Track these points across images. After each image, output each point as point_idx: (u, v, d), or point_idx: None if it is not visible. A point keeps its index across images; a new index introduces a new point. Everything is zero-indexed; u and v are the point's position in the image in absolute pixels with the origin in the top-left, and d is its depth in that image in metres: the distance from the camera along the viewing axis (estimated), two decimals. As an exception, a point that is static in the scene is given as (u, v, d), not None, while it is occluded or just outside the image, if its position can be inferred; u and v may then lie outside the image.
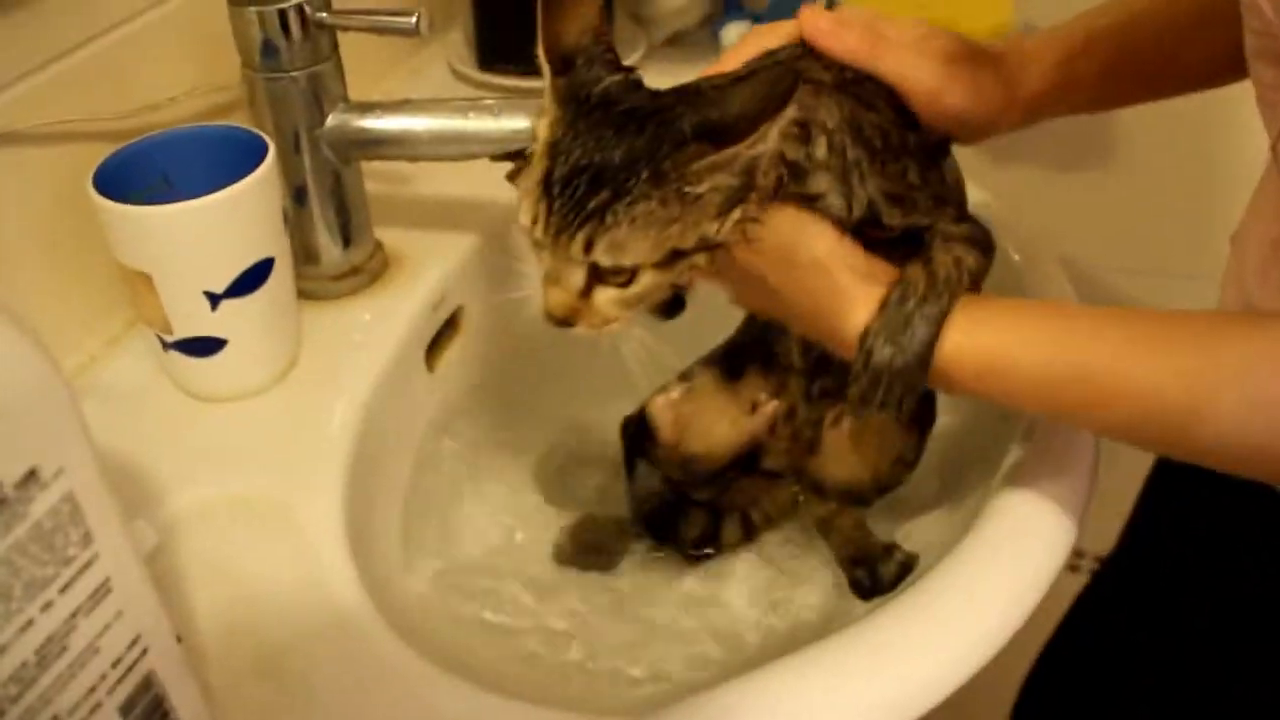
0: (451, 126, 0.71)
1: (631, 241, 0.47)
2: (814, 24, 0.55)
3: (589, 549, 0.71)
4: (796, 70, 0.48)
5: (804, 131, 0.51)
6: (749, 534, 0.70)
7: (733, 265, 0.53)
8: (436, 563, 0.70)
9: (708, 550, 0.70)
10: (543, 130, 0.49)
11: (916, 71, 0.56)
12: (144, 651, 0.46)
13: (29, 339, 0.39)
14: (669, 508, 0.70)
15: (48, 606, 0.41)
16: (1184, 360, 0.46)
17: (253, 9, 0.66)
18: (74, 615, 0.42)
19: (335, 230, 0.75)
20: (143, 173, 0.64)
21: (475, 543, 0.74)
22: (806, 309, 0.54)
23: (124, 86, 0.69)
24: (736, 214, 0.49)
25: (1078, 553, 0.59)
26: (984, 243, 0.55)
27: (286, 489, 0.62)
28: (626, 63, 0.52)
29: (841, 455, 0.64)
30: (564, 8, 0.49)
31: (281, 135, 0.71)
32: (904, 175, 0.54)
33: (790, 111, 0.45)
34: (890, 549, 0.65)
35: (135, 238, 0.62)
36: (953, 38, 0.58)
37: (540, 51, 0.50)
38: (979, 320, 0.51)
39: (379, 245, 0.80)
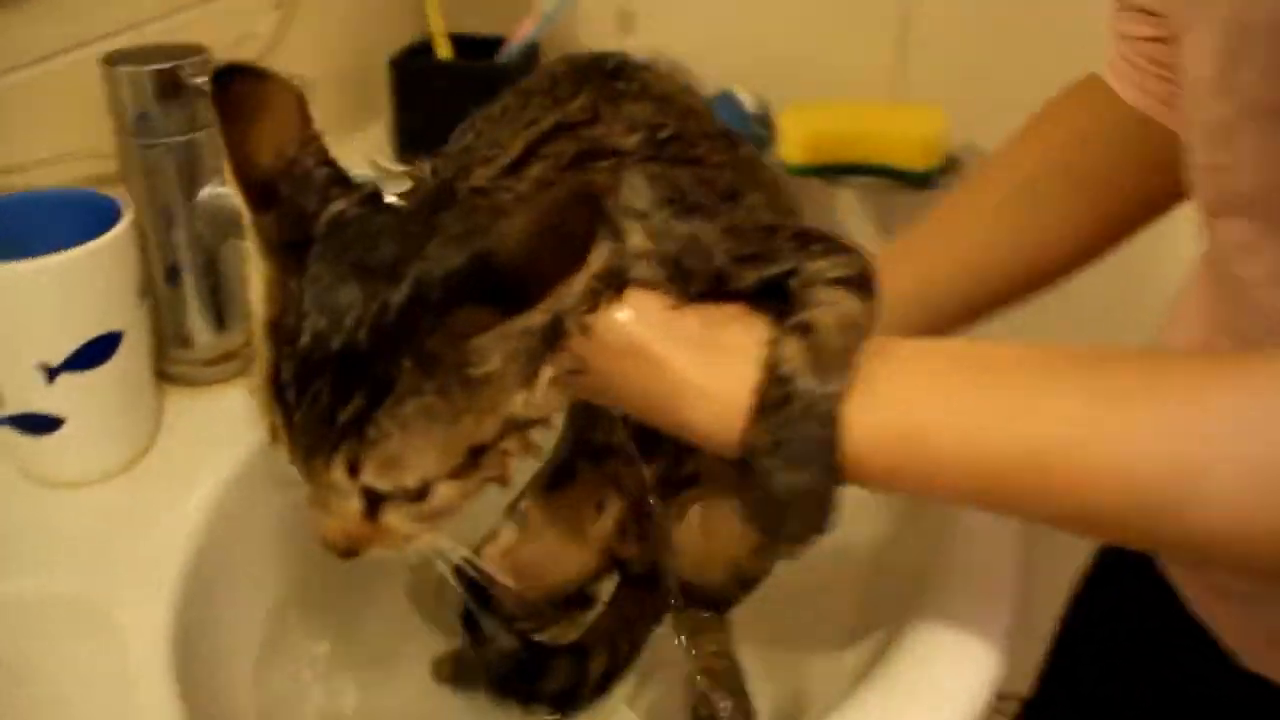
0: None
1: (410, 454, 0.37)
2: None
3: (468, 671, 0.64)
4: (593, 193, 0.36)
5: (612, 227, 0.41)
6: (615, 658, 0.62)
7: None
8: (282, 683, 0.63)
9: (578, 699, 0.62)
10: (256, 299, 0.38)
11: None
12: None
13: None
14: (523, 665, 0.60)
15: None
16: (1167, 418, 0.38)
17: (124, 68, 0.63)
18: None
19: (209, 311, 0.71)
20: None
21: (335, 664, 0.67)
22: (643, 411, 0.43)
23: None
24: (549, 372, 0.38)
25: (1000, 695, 0.53)
26: (863, 279, 0.43)
27: (110, 589, 0.56)
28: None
29: (694, 552, 0.57)
30: (251, 107, 0.38)
31: (154, 207, 0.67)
32: (755, 221, 0.45)
33: (599, 257, 0.34)
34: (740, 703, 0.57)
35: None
36: None
37: (234, 182, 0.38)
38: (884, 392, 0.40)
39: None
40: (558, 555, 0.58)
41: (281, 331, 0.37)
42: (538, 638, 0.61)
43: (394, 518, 0.39)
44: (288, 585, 0.67)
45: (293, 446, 0.37)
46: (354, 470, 0.37)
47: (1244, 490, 0.36)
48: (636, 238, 0.42)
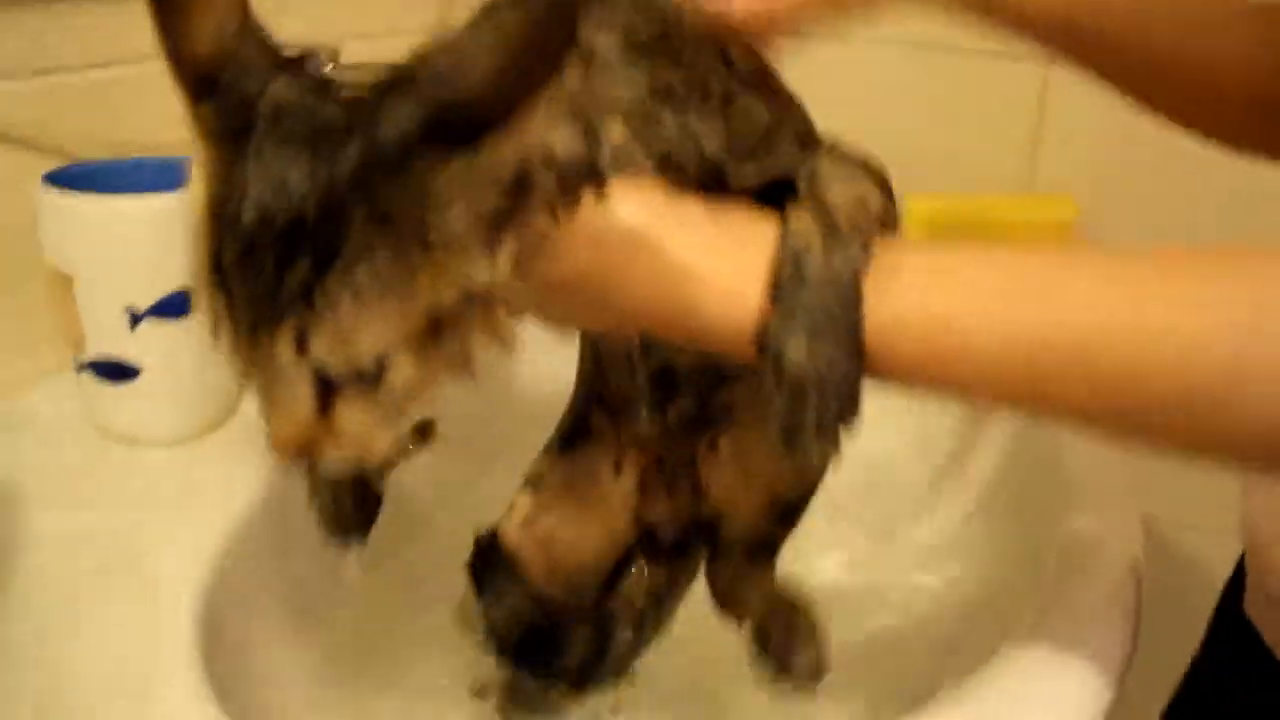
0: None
1: (363, 323, 0.33)
2: None
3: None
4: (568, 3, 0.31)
5: (586, 125, 0.38)
6: (642, 630, 0.57)
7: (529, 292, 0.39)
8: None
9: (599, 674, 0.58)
10: (197, 189, 0.35)
11: None
12: None
13: None
14: (540, 632, 0.56)
15: None
16: (1225, 305, 0.33)
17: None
18: None
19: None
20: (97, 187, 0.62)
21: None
22: (648, 312, 0.39)
23: (126, 116, 0.69)
24: (513, 243, 0.34)
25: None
26: (881, 177, 0.41)
27: (153, 544, 0.54)
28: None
29: (729, 487, 0.52)
30: (186, 3, 0.34)
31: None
32: (749, 117, 0.42)
33: (571, 72, 0.31)
34: (810, 629, 0.53)
35: (64, 233, 0.60)
36: None
37: (171, 71, 0.35)
38: (908, 278, 0.37)
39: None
40: (579, 525, 0.55)
41: (223, 216, 0.33)
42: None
43: (349, 411, 0.35)
44: (329, 584, 0.64)
45: (234, 330, 0.34)
46: (301, 345, 0.33)
47: None
48: (616, 131, 0.38)
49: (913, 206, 0.92)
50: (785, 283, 0.36)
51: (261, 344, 0.33)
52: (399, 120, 0.31)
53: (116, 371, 0.61)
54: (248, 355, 0.34)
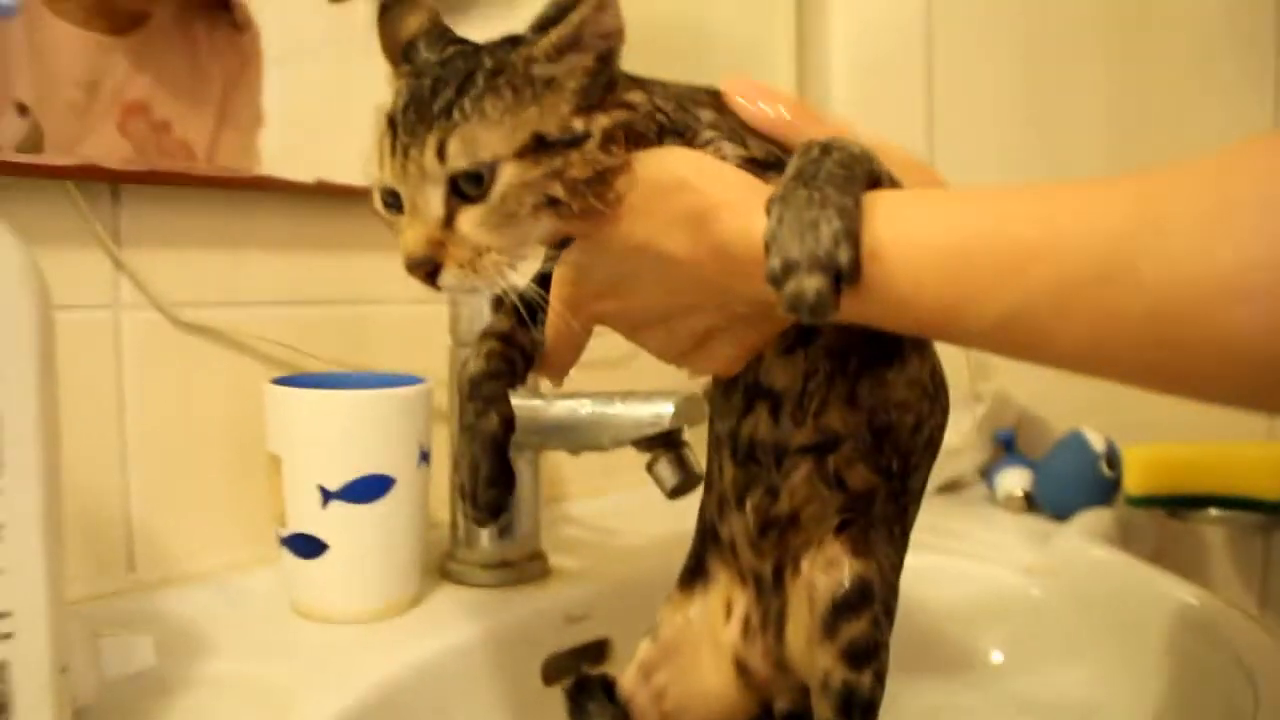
0: (601, 411, 0.73)
1: (485, 133, 0.44)
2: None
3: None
4: None
5: (686, 106, 0.49)
6: None
7: (585, 254, 0.49)
8: None
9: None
10: (389, 102, 0.47)
11: None
12: (9, 635, 0.45)
13: (23, 270, 0.46)
14: None
15: (-71, 502, 0.43)
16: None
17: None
18: (-48, 533, 0.43)
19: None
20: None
21: None
22: (684, 246, 0.46)
23: (358, 344, 0.81)
24: (604, 120, 0.46)
25: None
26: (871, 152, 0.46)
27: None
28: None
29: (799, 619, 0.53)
30: (398, 14, 0.50)
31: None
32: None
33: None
34: None
35: (277, 417, 0.69)
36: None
37: (384, 50, 0.50)
38: (912, 203, 0.42)
39: (541, 554, 0.81)
40: (693, 676, 0.56)
41: (399, 100, 0.46)
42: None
43: (466, 223, 0.45)
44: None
45: (394, 155, 0.45)
46: (441, 153, 0.44)
47: None
48: (707, 114, 0.49)
49: (1135, 454, 0.89)
50: (794, 163, 0.43)
51: (412, 160, 0.44)
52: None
53: (309, 547, 0.69)
54: (398, 169, 0.45)
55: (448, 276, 0.46)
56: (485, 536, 0.79)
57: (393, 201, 0.47)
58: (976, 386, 1.07)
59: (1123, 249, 0.35)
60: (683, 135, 0.48)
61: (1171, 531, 0.88)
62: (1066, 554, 0.85)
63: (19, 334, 0.45)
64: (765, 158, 0.48)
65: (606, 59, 0.46)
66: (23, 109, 0.75)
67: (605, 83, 0.46)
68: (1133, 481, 0.87)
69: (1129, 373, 0.39)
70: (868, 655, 0.52)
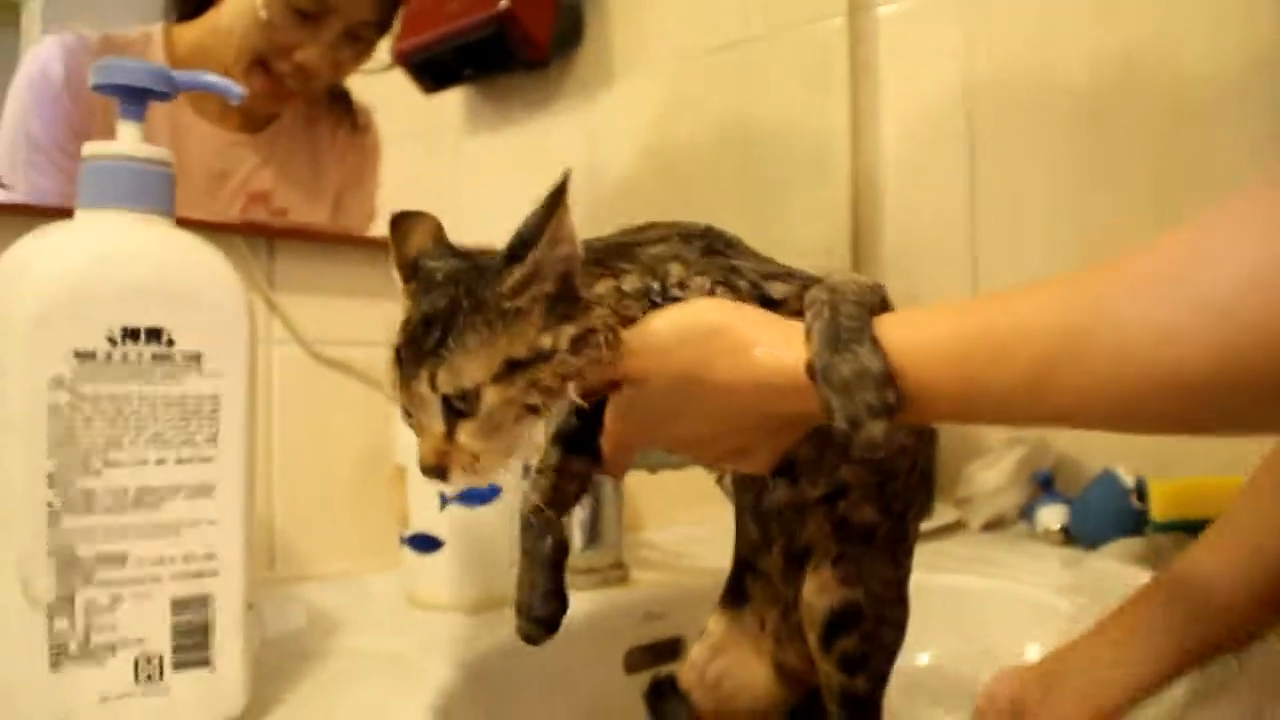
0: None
1: (466, 365, 0.52)
2: None
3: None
4: (565, 175, 0.52)
5: (652, 270, 0.56)
6: None
7: (630, 400, 0.56)
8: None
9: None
10: (399, 323, 0.55)
11: None
12: (215, 573, 0.58)
13: (239, 285, 0.59)
14: None
15: (160, 463, 0.56)
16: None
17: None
18: (176, 489, 0.57)
19: (584, 528, 0.90)
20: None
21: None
22: (724, 381, 0.53)
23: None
24: (571, 329, 0.53)
25: None
26: (875, 282, 0.55)
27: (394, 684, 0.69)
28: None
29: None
30: (406, 229, 0.58)
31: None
32: (774, 262, 0.59)
33: (567, 202, 0.52)
34: None
35: (404, 434, 0.82)
36: None
37: (393, 270, 0.57)
38: (911, 318, 0.50)
39: (623, 564, 0.92)
40: (746, 677, 0.67)
41: (405, 326, 0.54)
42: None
43: (464, 435, 0.53)
44: None
45: (399, 381, 0.54)
46: (433, 383, 0.52)
47: None
48: (675, 268, 0.56)
49: (1161, 485, 0.98)
50: (813, 325, 0.51)
51: (413, 389, 0.53)
52: (498, 259, 0.53)
53: (427, 544, 0.81)
54: (406, 396, 0.54)
55: (455, 478, 0.55)
56: (575, 546, 0.91)
57: (407, 415, 0.56)
58: (1018, 431, 1.17)
59: (1087, 330, 0.45)
60: (659, 302, 0.56)
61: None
62: (1095, 574, 0.94)
63: (235, 336, 0.58)
64: (752, 294, 0.57)
65: (566, 279, 0.53)
66: None
67: (569, 298, 0.54)
68: (1159, 509, 0.97)
69: (1105, 423, 0.48)
70: (860, 664, 0.63)
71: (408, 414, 0.55)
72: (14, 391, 0.53)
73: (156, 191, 0.58)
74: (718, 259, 0.58)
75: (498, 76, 1.25)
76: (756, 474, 0.61)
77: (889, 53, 1.39)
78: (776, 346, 0.52)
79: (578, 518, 0.91)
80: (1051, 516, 1.08)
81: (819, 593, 0.63)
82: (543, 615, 0.61)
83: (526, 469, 0.66)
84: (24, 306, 0.53)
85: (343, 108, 1.04)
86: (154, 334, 0.55)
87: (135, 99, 0.57)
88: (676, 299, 0.56)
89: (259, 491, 0.86)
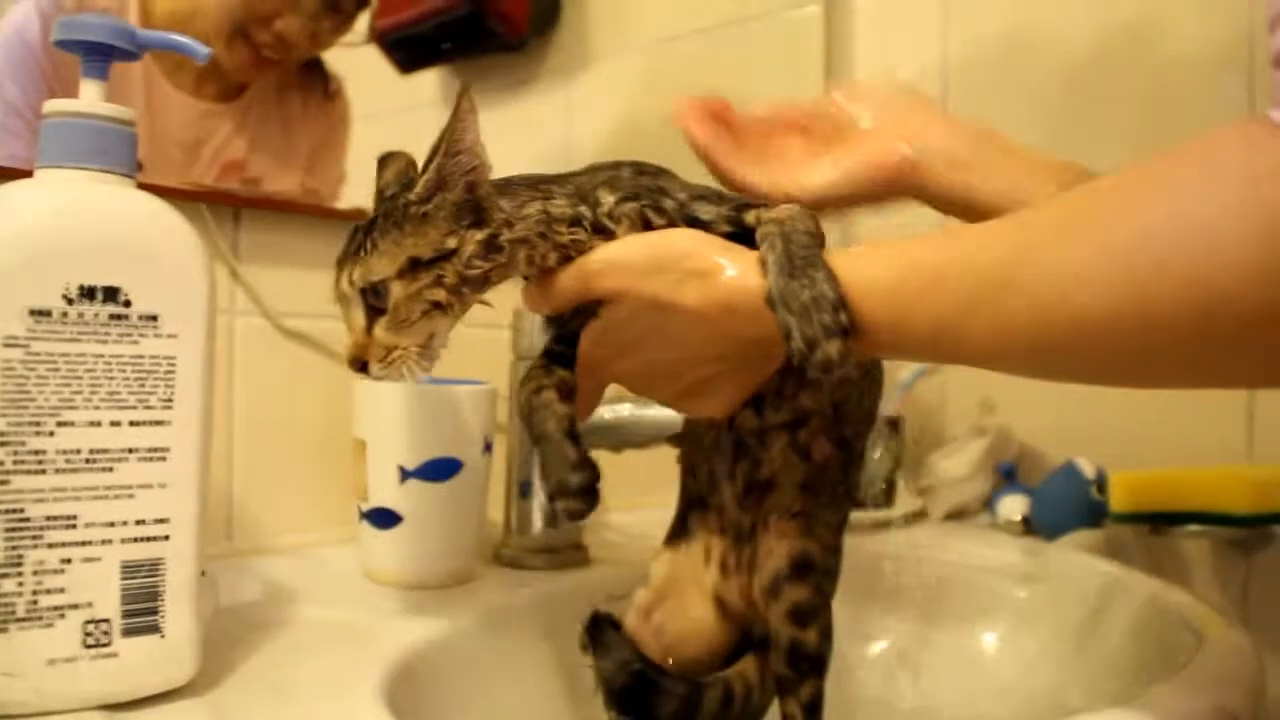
0: (638, 413, 0.86)
1: (377, 262, 0.58)
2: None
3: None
4: (465, 84, 0.61)
5: (582, 197, 0.61)
6: (730, 704, 0.65)
7: (604, 321, 0.60)
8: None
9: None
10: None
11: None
12: (166, 537, 0.58)
13: (200, 248, 0.59)
14: (641, 682, 0.66)
15: (115, 425, 0.56)
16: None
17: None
18: (129, 451, 0.56)
19: (544, 508, 0.91)
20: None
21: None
22: (693, 304, 0.56)
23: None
24: (478, 234, 0.59)
25: None
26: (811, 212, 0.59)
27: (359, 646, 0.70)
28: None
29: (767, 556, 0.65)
30: (383, 166, 0.66)
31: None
32: (705, 187, 0.63)
33: (465, 106, 0.58)
34: None
35: (365, 407, 0.82)
36: None
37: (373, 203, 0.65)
38: (852, 252, 0.54)
39: (583, 545, 0.93)
40: (682, 617, 0.67)
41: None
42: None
43: (378, 329, 0.59)
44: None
45: (335, 283, 0.60)
46: (350, 279, 0.59)
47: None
48: (605, 194, 0.61)
49: (1121, 478, 0.99)
50: (768, 255, 0.55)
51: (340, 285, 0.60)
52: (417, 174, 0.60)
53: (386, 519, 0.81)
54: (337, 295, 0.61)
55: (372, 369, 0.60)
56: (535, 525, 0.91)
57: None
58: (981, 422, 1.18)
59: (1008, 269, 0.48)
60: (588, 228, 0.60)
61: (1156, 549, 0.98)
62: (1054, 563, 0.95)
63: (194, 298, 0.58)
64: (680, 214, 0.60)
65: (472, 188, 0.59)
66: (137, 165, 0.89)
67: (476, 206, 0.59)
68: (1118, 500, 0.97)
69: (1024, 364, 0.51)
70: (810, 615, 0.64)
71: (343, 313, 0.61)
72: (-34, 348, 0.52)
73: (117, 151, 0.57)
74: (645, 179, 0.62)
75: (475, 56, 1.24)
76: (719, 415, 0.64)
77: (865, 38, 1.40)
78: (742, 270, 0.55)
79: (539, 499, 0.91)
80: (1013, 507, 1.09)
81: (778, 539, 0.65)
82: (581, 483, 0.61)
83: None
84: (-23, 263, 0.52)
85: (314, 76, 1.04)
86: (111, 293, 0.55)
87: (99, 56, 0.57)
88: (607, 228, 0.60)
89: (218, 462, 0.86)
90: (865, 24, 1.39)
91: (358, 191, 0.98)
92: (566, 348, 0.64)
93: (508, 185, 0.61)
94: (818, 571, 0.65)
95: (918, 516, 1.17)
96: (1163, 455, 1.00)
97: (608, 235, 0.60)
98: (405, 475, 0.81)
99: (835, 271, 0.53)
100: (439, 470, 0.81)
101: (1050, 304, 0.46)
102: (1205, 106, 1.10)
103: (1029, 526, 1.08)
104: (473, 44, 1.23)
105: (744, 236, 0.59)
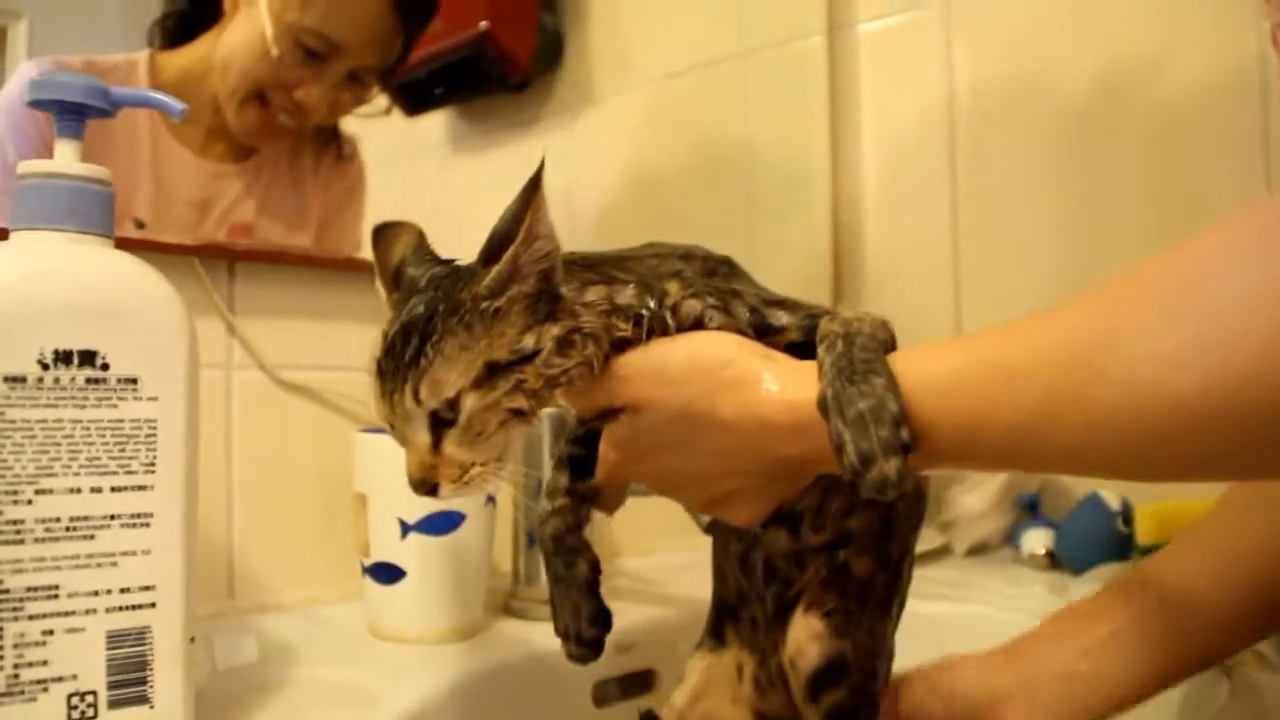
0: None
1: (446, 373, 0.50)
2: None
3: None
4: (540, 165, 0.51)
5: (648, 287, 0.54)
6: None
7: (628, 427, 0.54)
8: None
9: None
10: (379, 333, 0.54)
11: None
12: (153, 605, 0.56)
13: (180, 307, 0.57)
14: None
15: (95, 491, 0.55)
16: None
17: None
18: (111, 517, 0.55)
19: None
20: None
21: None
22: (728, 417, 0.51)
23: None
24: (555, 329, 0.52)
25: None
26: (882, 318, 0.53)
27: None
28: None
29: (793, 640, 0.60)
30: (389, 239, 0.58)
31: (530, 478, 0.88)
32: (773, 291, 0.57)
33: (543, 196, 0.50)
34: None
35: (364, 460, 0.80)
36: None
37: (378, 282, 0.57)
38: (913, 354, 0.49)
39: (593, 594, 0.90)
40: (722, 713, 0.65)
41: (384, 338, 0.53)
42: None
43: (449, 445, 0.52)
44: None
45: (383, 396, 0.52)
46: (417, 396, 0.51)
47: None
48: (674, 288, 0.55)
49: (1146, 510, 0.96)
50: (826, 358, 0.49)
51: (397, 404, 0.52)
52: (471, 263, 0.53)
53: (389, 574, 0.79)
54: (388, 410, 0.53)
55: (444, 491, 0.54)
56: (544, 576, 0.89)
57: (392, 428, 0.54)
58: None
59: (1093, 356, 0.44)
60: (647, 324, 0.54)
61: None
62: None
63: (174, 359, 0.57)
64: (750, 322, 0.55)
65: (547, 276, 0.52)
66: (139, 224, 0.88)
67: (551, 297, 0.52)
68: (1145, 533, 0.95)
69: (1113, 464, 0.46)
70: (849, 716, 0.59)
71: (391, 426, 0.54)
72: (-60, 417, 0.51)
73: (93, 211, 0.56)
74: (716, 281, 0.56)
75: (479, 98, 1.24)
76: (744, 525, 0.58)
77: (870, 71, 1.38)
78: (785, 382, 0.50)
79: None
80: (1037, 541, 1.06)
81: (809, 640, 0.60)
82: (591, 638, 0.60)
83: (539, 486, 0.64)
84: (-50, 329, 0.51)
85: (328, 137, 1.03)
86: (88, 357, 0.53)
87: (72, 115, 0.56)
88: (666, 323, 0.54)
89: (218, 518, 0.85)
90: (870, 55, 1.38)
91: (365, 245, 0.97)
92: (588, 451, 0.59)
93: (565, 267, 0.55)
94: (853, 673, 0.59)
95: (940, 552, 1.14)
96: (1188, 486, 0.97)
97: (660, 333, 0.54)
98: (406, 529, 0.79)
99: (898, 379, 0.47)
100: (441, 523, 0.79)
101: (1144, 395, 0.42)
102: (1215, 138, 1.08)
103: (1053, 561, 1.05)
104: (477, 85, 1.23)
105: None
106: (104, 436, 0.55)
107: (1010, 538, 1.12)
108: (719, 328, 0.54)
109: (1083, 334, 0.44)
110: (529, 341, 0.52)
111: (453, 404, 0.51)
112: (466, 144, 1.25)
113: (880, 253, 1.35)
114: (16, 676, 0.52)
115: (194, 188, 0.94)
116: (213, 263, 0.85)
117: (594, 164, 1.28)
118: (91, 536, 0.54)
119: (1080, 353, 0.44)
